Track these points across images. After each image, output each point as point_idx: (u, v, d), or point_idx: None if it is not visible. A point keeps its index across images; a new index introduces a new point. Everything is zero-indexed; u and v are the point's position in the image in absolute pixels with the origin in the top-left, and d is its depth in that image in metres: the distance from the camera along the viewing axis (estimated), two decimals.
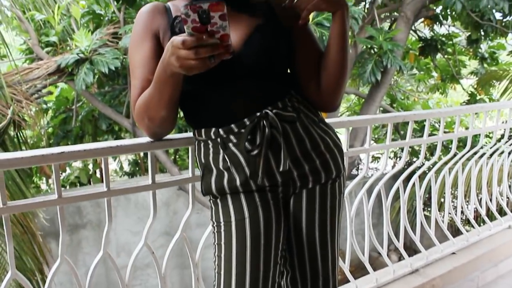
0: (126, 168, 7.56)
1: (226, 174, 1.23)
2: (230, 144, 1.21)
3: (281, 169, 1.20)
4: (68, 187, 6.35)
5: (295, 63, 1.31)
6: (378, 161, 7.58)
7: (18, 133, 4.39)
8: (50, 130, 6.01)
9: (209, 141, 1.26)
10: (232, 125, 1.21)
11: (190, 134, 1.40)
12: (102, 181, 5.81)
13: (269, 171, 1.21)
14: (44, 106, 5.92)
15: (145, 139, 1.35)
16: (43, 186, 6.89)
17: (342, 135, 1.79)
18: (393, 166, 7.71)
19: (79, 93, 4.95)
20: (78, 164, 6.70)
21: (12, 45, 5.64)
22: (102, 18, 4.95)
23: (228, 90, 1.20)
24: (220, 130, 1.22)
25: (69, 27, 5.01)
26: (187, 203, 1.59)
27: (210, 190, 1.27)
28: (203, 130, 1.26)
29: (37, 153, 1.24)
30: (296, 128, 1.24)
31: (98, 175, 6.63)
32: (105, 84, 5.41)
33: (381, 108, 6.54)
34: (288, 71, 1.34)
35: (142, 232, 1.53)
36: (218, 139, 1.23)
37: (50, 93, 5.54)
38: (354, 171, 7.18)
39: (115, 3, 4.37)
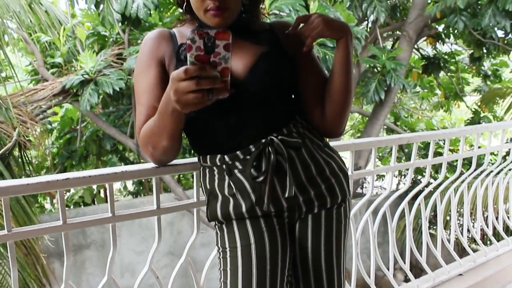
0: (130, 187, 7.55)
1: (231, 200, 1.23)
2: (236, 171, 1.22)
3: (286, 195, 1.20)
4: (72, 206, 6.34)
5: (299, 89, 1.32)
6: (383, 179, 7.56)
7: (23, 154, 4.40)
8: (54, 150, 6.03)
9: (215, 167, 1.26)
10: (238, 152, 1.21)
11: (195, 159, 1.40)
12: (106, 201, 5.81)
13: (274, 197, 1.21)
14: (49, 126, 5.95)
15: (150, 164, 1.35)
16: (47, 206, 6.89)
17: (347, 158, 1.79)
18: (398, 184, 7.70)
19: (84, 114, 4.97)
20: None
21: (18, 66, 5.70)
22: (106, 39, 5.00)
23: (234, 118, 1.20)
24: (225, 157, 1.22)
25: (74, 48, 5.06)
26: (191, 223, 1.59)
27: (216, 216, 1.26)
28: (208, 157, 1.26)
29: (43, 180, 1.25)
30: (301, 154, 1.24)
31: (102, 194, 6.62)
32: (110, 104, 5.44)
33: (385, 127, 6.55)
34: (293, 96, 1.34)
35: (146, 251, 1.53)
36: (224, 166, 1.23)
37: (55, 113, 5.57)
38: (358, 190, 7.15)
39: (120, 24, 4.41)
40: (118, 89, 4.19)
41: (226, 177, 1.23)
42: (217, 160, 1.24)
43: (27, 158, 4.60)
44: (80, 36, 4.78)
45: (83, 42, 4.86)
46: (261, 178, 1.18)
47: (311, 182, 1.25)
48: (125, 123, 5.37)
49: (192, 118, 1.21)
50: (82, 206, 6.32)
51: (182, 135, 1.26)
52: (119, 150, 6.03)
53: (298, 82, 1.31)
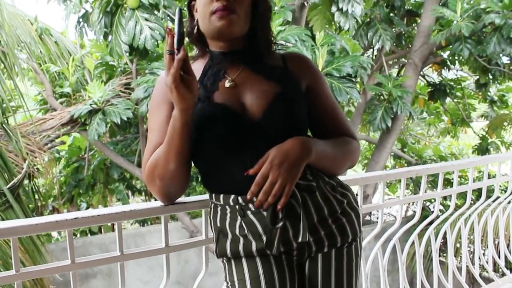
0: None
1: (242, 240, 1.23)
2: (249, 212, 1.21)
3: (300, 239, 1.19)
4: (78, 235, 6.32)
5: (312, 123, 1.32)
6: (390, 207, 7.49)
7: (31, 182, 4.41)
8: (62, 179, 6.05)
9: (227, 207, 1.25)
10: None
11: (203, 196, 1.40)
12: (113, 229, 5.79)
13: (285, 239, 1.20)
14: (57, 155, 5.99)
15: (158, 203, 1.35)
16: (54, 233, 6.87)
17: (355, 190, 1.78)
18: (406, 210, 7.63)
19: (92, 143, 5.00)
20: None
21: (27, 94, 5.77)
22: (115, 69, 5.06)
23: (249, 159, 1.19)
24: (239, 198, 1.21)
25: (83, 78, 5.12)
26: (198, 252, 1.57)
27: (225, 254, 1.26)
28: (221, 196, 1.25)
29: (52, 220, 1.25)
30: (315, 196, 1.23)
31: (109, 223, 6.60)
32: (117, 133, 5.47)
33: (392, 153, 6.53)
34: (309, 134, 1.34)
35: (153, 281, 1.53)
36: (237, 206, 1.22)
37: (63, 142, 5.61)
38: (367, 217, 7.10)
39: (128, 54, 4.47)
40: (125, 119, 4.22)
41: (239, 218, 1.22)
42: (230, 200, 1.23)
43: (35, 187, 4.62)
44: (88, 66, 4.83)
45: (92, 72, 4.92)
46: (279, 225, 1.17)
47: (322, 223, 1.24)
48: (133, 152, 5.39)
49: (208, 157, 1.22)
50: (89, 235, 6.30)
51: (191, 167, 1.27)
52: (127, 178, 6.04)
53: (311, 118, 1.31)
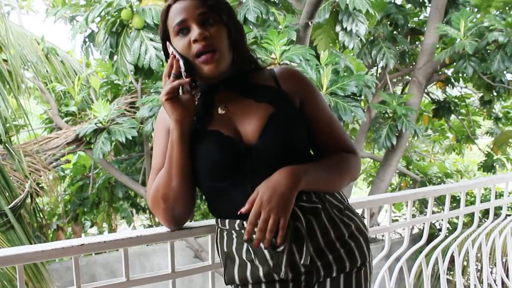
0: None
1: (249, 265, 1.22)
2: (254, 236, 1.20)
3: (302, 262, 1.18)
4: (82, 254, 6.28)
5: (313, 138, 1.31)
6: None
7: (33, 203, 4.40)
8: (66, 197, 6.05)
9: (233, 232, 1.25)
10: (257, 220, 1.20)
11: (210, 221, 1.40)
12: (118, 249, 5.71)
13: (292, 263, 1.19)
14: (62, 173, 5.99)
15: (165, 228, 1.35)
16: None
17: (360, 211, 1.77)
18: (412, 228, 7.57)
19: (96, 162, 5.01)
20: (93, 231, 6.68)
21: (32, 113, 5.80)
22: (120, 88, 5.09)
23: (249, 183, 1.19)
24: (244, 223, 1.21)
25: (88, 97, 5.15)
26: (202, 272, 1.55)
27: (233, 280, 1.25)
28: (227, 221, 1.25)
29: (57, 246, 1.25)
30: (320, 219, 1.22)
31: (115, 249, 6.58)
32: (122, 152, 5.48)
33: (397, 171, 6.50)
34: (311, 152, 1.33)
35: None
36: (243, 231, 1.22)
37: (68, 161, 5.62)
38: (373, 235, 7.04)
39: (133, 74, 4.50)
40: (130, 138, 4.23)
41: (245, 242, 1.22)
42: (236, 225, 1.23)
43: (37, 206, 4.60)
44: (94, 85, 4.87)
45: (97, 90, 4.95)
46: (281, 248, 1.17)
47: (330, 247, 1.23)
48: (137, 170, 5.39)
49: (209, 185, 1.23)
50: (93, 254, 6.28)
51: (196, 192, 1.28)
52: (131, 197, 6.03)
53: (310, 134, 1.29)
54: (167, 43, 1.23)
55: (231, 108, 1.24)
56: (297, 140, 1.24)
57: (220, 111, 1.24)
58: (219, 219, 1.29)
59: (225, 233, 1.28)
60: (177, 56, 1.17)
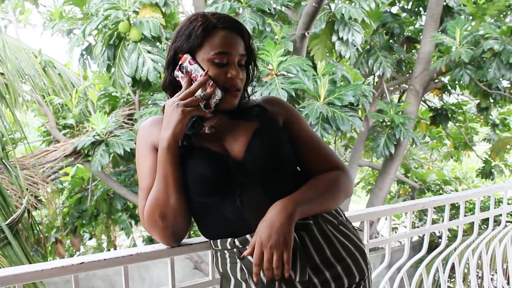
0: (140, 245, 7.47)
1: (244, 285, 1.22)
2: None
3: (297, 279, 1.17)
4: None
5: (299, 158, 1.32)
6: (396, 231, 7.43)
7: (30, 218, 4.37)
8: (65, 210, 6.03)
9: (226, 251, 1.25)
10: (247, 236, 1.20)
11: None
12: None
13: (287, 281, 1.19)
14: (60, 186, 5.97)
15: (165, 245, 1.34)
16: None
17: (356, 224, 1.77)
18: (412, 236, 7.54)
19: (95, 174, 5.00)
20: (92, 243, 6.64)
21: (29, 126, 5.79)
22: (117, 100, 5.10)
23: (238, 197, 1.20)
24: (235, 240, 1.21)
25: (86, 109, 5.15)
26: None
27: None
28: (218, 241, 1.26)
29: (57, 265, 1.24)
30: (313, 235, 1.22)
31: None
32: (120, 164, 5.47)
33: (396, 179, 6.50)
34: (298, 168, 1.34)
35: None
36: (235, 249, 1.23)
37: (66, 174, 5.61)
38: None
39: (130, 86, 4.51)
40: (128, 150, 4.22)
41: (238, 261, 1.22)
42: (227, 244, 1.23)
43: (35, 220, 4.57)
44: (91, 97, 4.87)
45: (95, 103, 4.95)
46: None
47: (326, 264, 1.22)
48: (136, 182, 5.37)
49: (199, 202, 1.22)
50: None
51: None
52: (130, 208, 6.01)
53: (297, 154, 1.31)
54: (195, 60, 1.21)
55: (219, 128, 1.28)
56: (282, 154, 1.26)
57: (207, 130, 1.27)
58: (211, 241, 1.30)
59: (218, 254, 1.29)
60: (218, 89, 1.20)
